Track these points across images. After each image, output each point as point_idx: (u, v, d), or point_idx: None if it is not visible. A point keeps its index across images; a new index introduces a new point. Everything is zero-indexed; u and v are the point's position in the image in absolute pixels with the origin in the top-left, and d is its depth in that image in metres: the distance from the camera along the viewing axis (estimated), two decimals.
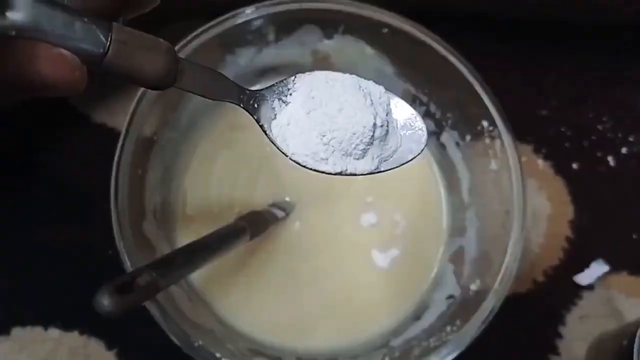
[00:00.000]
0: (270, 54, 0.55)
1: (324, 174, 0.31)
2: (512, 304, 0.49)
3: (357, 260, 0.55)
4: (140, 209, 0.50)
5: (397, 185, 0.55)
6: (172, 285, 0.41)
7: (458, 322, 0.48)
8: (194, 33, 0.49)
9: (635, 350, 0.45)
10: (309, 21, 0.53)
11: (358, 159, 0.31)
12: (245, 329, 0.52)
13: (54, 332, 0.53)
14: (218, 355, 0.45)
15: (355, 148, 0.31)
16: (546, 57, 0.62)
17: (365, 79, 0.32)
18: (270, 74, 0.56)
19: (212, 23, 0.50)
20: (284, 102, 0.31)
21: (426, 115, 0.56)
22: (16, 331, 0.53)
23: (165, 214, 0.54)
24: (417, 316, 0.53)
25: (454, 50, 0.51)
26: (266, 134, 0.31)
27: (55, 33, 0.24)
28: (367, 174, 0.32)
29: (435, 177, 0.57)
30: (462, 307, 0.50)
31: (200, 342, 0.45)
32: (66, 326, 0.53)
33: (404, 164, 0.33)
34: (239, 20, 0.50)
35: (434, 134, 0.56)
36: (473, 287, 0.50)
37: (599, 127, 0.61)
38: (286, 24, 0.53)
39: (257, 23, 0.51)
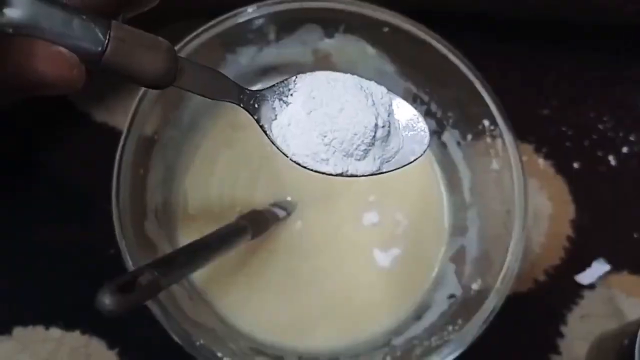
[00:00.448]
0: (271, 53, 0.55)
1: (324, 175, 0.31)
2: (513, 304, 0.49)
3: (359, 260, 0.55)
4: (141, 208, 0.50)
5: (398, 184, 0.55)
6: (173, 284, 0.41)
7: (459, 322, 0.48)
8: (195, 32, 0.49)
9: (636, 349, 0.45)
10: (310, 20, 0.53)
11: (359, 159, 0.31)
12: (247, 328, 0.52)
13: (56, 332, 0.53)
14: (219, 354, 0.45)
15: (356, 149, 0.31)
16: (546, 56, 0.62)
17: (366, 79, 0.32)
18: (271, 73, 0.56)
19: (213, 22, 0.50)
20: (285, 103, 0.31)
21: (427, 114, 0.56)
22: (17, 331, 0.53)
23: (167, 214, 0.54)
24: (418, 315, 0.53)
25: (454, 50, 0.51)
26: (266, 135, 0.31)
27: (54, 31, 0.24)
28: (369, 175, 0.32)
29: (436, 176, 0.57)
30: (464, 306, 0.50)
31: (202, 341, 0.45)
32: (67, 326, 0.53)
33: (406, 165, 0.33)
34: (240, 19, 0.50)
35: (435, 133, 0.56)
36: (474, 286, 0.50)
37: (600, 126, 0.61)
38: (287, 23, 0.53)
39: (258, 22, 0.51)
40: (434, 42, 0.51)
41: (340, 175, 0.31)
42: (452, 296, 0.52)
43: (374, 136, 0.31)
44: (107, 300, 0.31)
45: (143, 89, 0.48)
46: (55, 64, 0.24)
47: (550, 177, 0.59)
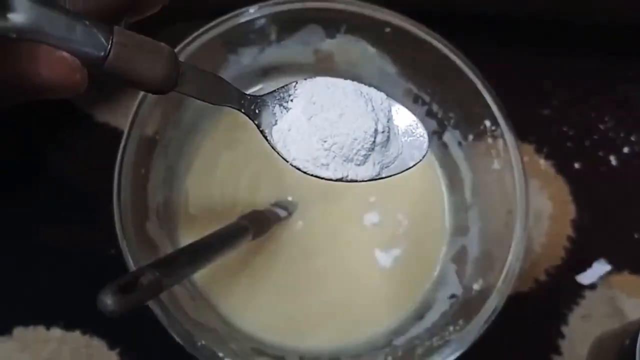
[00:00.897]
0: (273, 54, 0.55)
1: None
2: (514, 304, 0.49)
3: (360, 260, 0.55)
4: (143, 208, 0.50)
5: (399, 185, 0.55)
6: (175, 284, 0.41)
7: (461, 322, 0.48)
8: (197, 32, 0.49)
9: (637, 349, 0.45)
10: (311, 20, 0.53)
11: (359, 165, 0.31)
12: (248, 328, 0.52)
13: (56, 332, 0.53)
14: (221, 354, 0.45)
15: (356, 154, 0.31)
16: (547, 56, 0.62)
17: (366, 83, 0.32)
18: (273, 74, 0.56)
19: (214, 22, 0.50)
20: (285, 108, 0.31)
21: (428, 114, 0.56)
22: (18, 331, 0.53)
23: (168, 214, 0.54)
24: (419, 316, 0.53)
25: (456, 50, 0.51)
26: (267, 140, 0.31)
27: (57, 36, 0.24)
28: (368, 180, 0.32)
29: (437, 176, 0.57)
30: (465, 306, 0.50)
31: (203, 342, 0.45)
32: (68, 326, 0.53)
33: (405, 170, 0.33)
34: (242, 20, 0.50)
35: (436, 134, 0.56)
36: (476, 286, 0.50)
37: (601, 126, 0.61)
38: (289, 23, 0.53)
39: (260, 22, 0.51)
40: (435, 43, 0.51)
41: (340, 180, 0.31)
42: (453, 296, 0.52)
43: (374, 141, 0.31)
44: (108, 300, 0.31)
45: None
46: (58, 68, 0.25)
47: (551, 177, 0.59)
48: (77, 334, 0.53)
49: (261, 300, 0.53)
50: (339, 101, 0.31)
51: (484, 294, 0.48)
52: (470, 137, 0.54)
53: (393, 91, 0.55)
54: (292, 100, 0.31)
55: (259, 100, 0.31)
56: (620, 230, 0.58)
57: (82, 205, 0.56)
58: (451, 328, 0.49)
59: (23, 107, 0.28)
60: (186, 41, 0.49)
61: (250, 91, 0.56)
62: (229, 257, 0.47)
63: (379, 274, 0.55)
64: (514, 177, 0.50)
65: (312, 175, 0.31)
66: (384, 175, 0.33)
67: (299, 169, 0.31)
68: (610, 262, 0.57)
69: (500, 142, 0.51)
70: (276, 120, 0.31)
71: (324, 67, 0.56)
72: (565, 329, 0.56)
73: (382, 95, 0.32)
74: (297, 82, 0.32)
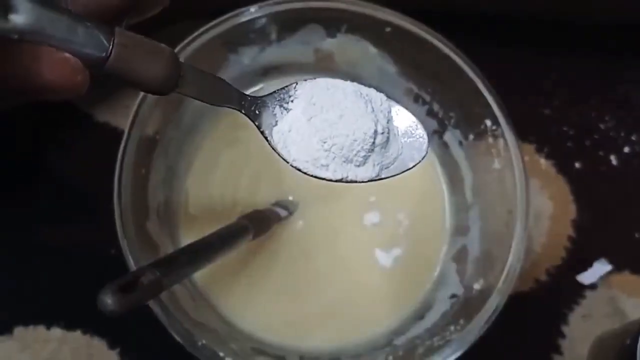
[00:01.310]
0: (273, 53, 0.55)
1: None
2: (515, 304, 0.49)
3: (360, 260, 0.55)
4: (143, 208, 0.50)
5: (399, 184, 0.55)
6: (175, 284, 0.41)
7: (461, 322, 0.48)
8: (198, 32, 0.49)
9: (638, 349, 0.45)
10: (312, 20, 0.53)
11: (359, 165, 0.31)
12: (248, 328, 0.52)
13: (57, 332, 0.53)
14: (221, 354, 0.45)
15: (356, 155, 0.31)
16: (547, 56, 0.62)
17: (367, 84, 0.32)
18: (273, 73, 0.56)
19: (214, 22, 0.50)
20: (285, 109, 0.31)
21: (429, 114, 0.56)
22: (18, 331, 0.53)
23: (169, 213, 0.54)
24: (420, 315, 0.53)
25: (456, 49, 0.51)
26: (267, 141, 0.31)
27: (58, 37, 0.24)
28: (368, 181, 0.32)
29: (438, 176, 0.57)
30: (466, 306, 0.50)
31: (204, 341, 0.45)
32: (69, 326, 0.53)
33: (404, 171, 0.33)
34: (242, 19, 0.50)
35: (437, 133, 0.56)
36: (476, 286, 0.50)
37: (601, 126, 0.61)
38: (289, 23, 0.53)
39: (260, 22, 0.51)
40: (436, 42, 0.51)
41: (340, 181, 0.31)
42: (453, 296, 0.52)
43: (374, 142, 0.31)
44: (108, 300, 0.31)
45: None
46: (60, 69, 0.25)
47: (551, 177, 0.59)
48: (77, 333, 0.53)
49: (261, 300, 0.53)
50: (338, 102, 0.31)
51: (484, 294, 0.48)
52: (471, 136, 0.54)
53: (393, 91, 0.55)
54: (292, 101, 0.31)
55: (259, 101, 0.31)
56: (620, 230, 0.58)
57: (82, 205, 0.56)
58: (452, 328, 0.49)
59: (24, 107, 0.28)
60: (186, 41, 0.49)
61: (250, 90, 0.56)
62: (229, 257, 0.47)
63: (379, 274, 0.55)
64: (514, 177, 0.50)
65: (312, 175, 0.31)
66: (383, 176, 0.33)
67: (299, 170, 0.31)
68: (610, 262, 0.57)
69: (500, 141, 0.51)
70: (276, 121, 0.31)
71: (324, 66, 0.56)
72: (565, 329, 0.56)
73: (382, 96, 0.32)
74: (297, 83, 0.32)
